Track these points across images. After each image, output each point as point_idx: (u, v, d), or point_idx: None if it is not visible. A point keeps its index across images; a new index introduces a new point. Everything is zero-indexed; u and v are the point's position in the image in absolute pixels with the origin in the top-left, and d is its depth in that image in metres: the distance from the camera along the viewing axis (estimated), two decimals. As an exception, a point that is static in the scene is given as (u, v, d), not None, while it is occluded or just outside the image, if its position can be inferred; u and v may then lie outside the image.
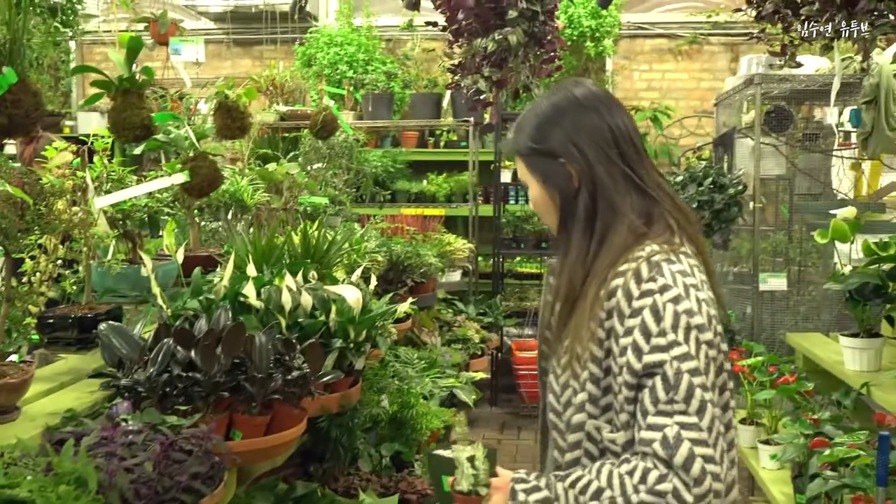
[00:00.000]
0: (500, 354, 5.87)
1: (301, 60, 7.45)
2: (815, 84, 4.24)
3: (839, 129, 4.68)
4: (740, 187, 4.02)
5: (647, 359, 1.41)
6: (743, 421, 3.60)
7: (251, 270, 2.86)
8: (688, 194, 3.99)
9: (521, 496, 1.47)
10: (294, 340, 2.39)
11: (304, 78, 7.38)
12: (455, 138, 7.29)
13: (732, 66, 8.08)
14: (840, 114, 4.10)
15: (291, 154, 5.47)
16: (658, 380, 1.40)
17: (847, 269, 3.16)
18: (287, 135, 6.35)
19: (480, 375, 4.30)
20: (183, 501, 1.66)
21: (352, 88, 6.89)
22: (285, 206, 4.25)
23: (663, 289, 1.44)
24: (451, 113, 6.93)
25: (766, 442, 3.30)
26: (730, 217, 4.00)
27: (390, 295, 3.29)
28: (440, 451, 1.62)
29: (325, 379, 2.38)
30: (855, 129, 3.86)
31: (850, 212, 3.18)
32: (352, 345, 2.67)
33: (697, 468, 1.36)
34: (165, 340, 2.16)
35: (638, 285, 1.46)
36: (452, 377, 3.96)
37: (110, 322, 2.15)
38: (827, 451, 2.45)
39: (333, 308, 2.66)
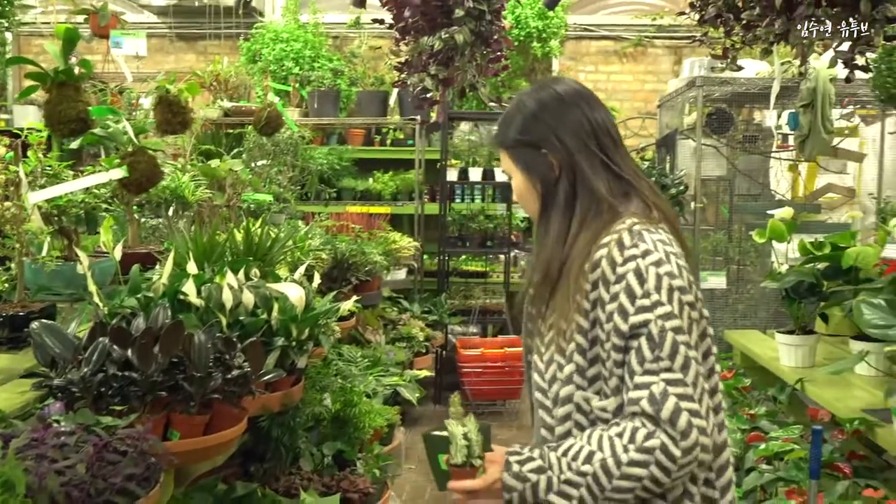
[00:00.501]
0: (444, 352, 5.88)
1: (246, 56, 7.36)
2: (755, 87, 4.33)
3: (777, 131, 4.79)
4: (682, 188, 4.08)
5: (633, 319, 1.47)
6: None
7: (192, 268, 2.81)
8: (631, 194, 4.05)
9: (515, 467, 1.51)
10: (235, 339, 2.36)
11: (250, 74, 7.29)
12: (402, 136, 7.27)
13: (675, 68, 8.21)
14: (779, 117, 4.20)
15: (235, 151, 5.40)
16: (643, 340, 1.46)
17: (784, 268, 3.23)
18: (231, 131, 6.26)
19: (424, 373, 4.29)
20: None
21: (297, 85, 6.82)
22: (228, 203, 4.19)
23: (645, 253, 1.51)
24: (397, 111, 6.92)
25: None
26: (671, 217, 4.06)
27: (334, 293, 3.27)
28: (435, 432, 1.62)
29: (266, 378, 2.35)
30: (793, 132, 3.96)
31: (787, 212, 3.26)
32: (294, 343, 2.65)
33: (684, 422, 1.41)
34: (101, 339, 2.11)
35: (621, 252, 1.52)
36: (396, 375, 3.95)
37: (43, 320, 2.10)
38: (762, 446, 2.50)
39: (275, 306, 2.63)
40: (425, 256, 7.16)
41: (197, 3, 7.66)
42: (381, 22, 3.49)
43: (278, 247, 3.27)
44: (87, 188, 2.39)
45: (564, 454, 1.50)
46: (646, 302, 1.47)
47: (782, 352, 3.20)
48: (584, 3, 8.41)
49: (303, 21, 7.62)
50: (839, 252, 2.98)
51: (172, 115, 2.64)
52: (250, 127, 4.53)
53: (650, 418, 1.43)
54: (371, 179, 6.76)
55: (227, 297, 2.56)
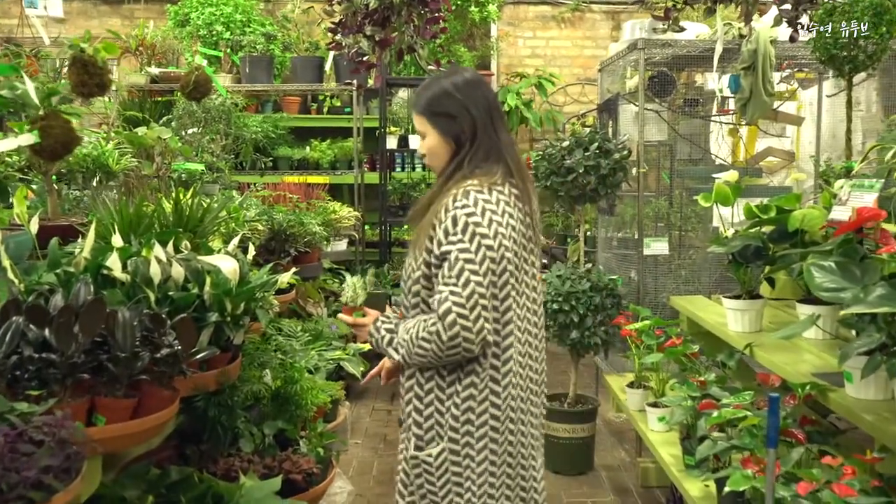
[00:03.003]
0: (388, 324, 5.76)
1: (174, 20, 7.05)
2: (696, 50, 4.27)
3: (719, 95, 4.76)
4: (625, 152, 4.02)
5: (443, 248, 2.13)
6: (631, 385, 3.62)
7: (117, 241, 2.64)
8: (574, 159, 3.96)
9: (378, 323, 2.30)
10: (164, 316, 2.21)
11: (178, 39, 7.00)
12: (339, 104, 7.07)
13: (614, 33, 8.16)
14: (719, 79, 4.15)
15: (165, 118, 5.17)
16: (445, 263, 2.12)
17: (730, 233, 3.19)
18: (160, 98, 6.00)
19: (367, 346, 4.17)
20: (31, 500, 1.49)
21: (229, 51, 6.56)
22: (157, 172, 3.99)
23: (464, 206, 2.14)
24: (334, 78, 6.71)
25: (654, 405, 3.32)
26: (616, 182, 4.00)
27: (270, 266, 3.12)
28: None
29: (198, 356, 2.21)
30: (734, 95, 3.92)
31: (732, 175, 3.21)
32: (229, 318, 2.50)
33: (452, 318, 2.09)
34: (15, 318, 1.95)
35: (451, 204, 2.15)
36: (339, 349, 3.82)
37: (-53, 300, 1.91)
38: (714, 413, 2.46)
39: (208, 280, 2.48)
40: (366, 227, 7.01)
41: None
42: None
43: (210, 217, 3.10)
44: (-3, 156, 2.20)
45: (405, 327, 2.20)
46: (452, 238, 2.12)
47: (730, 317, 3.17)
48: (522, -33, 8.28)
49: (233, -16, 7.33)
50: (785, 215, 2.94)
51: (88, 76, 2.45)
52: (180, 94, 4.31)
53: (435, 313, 2.11)
54: (308, 148, 6.56)
55: (155, 271, 2.40)
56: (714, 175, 3.44)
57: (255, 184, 4.98)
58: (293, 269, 3.68)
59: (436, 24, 3.55)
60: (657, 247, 4.96)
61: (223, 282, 2.49)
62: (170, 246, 2.61)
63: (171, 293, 2.40)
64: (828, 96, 4.75)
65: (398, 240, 6.95)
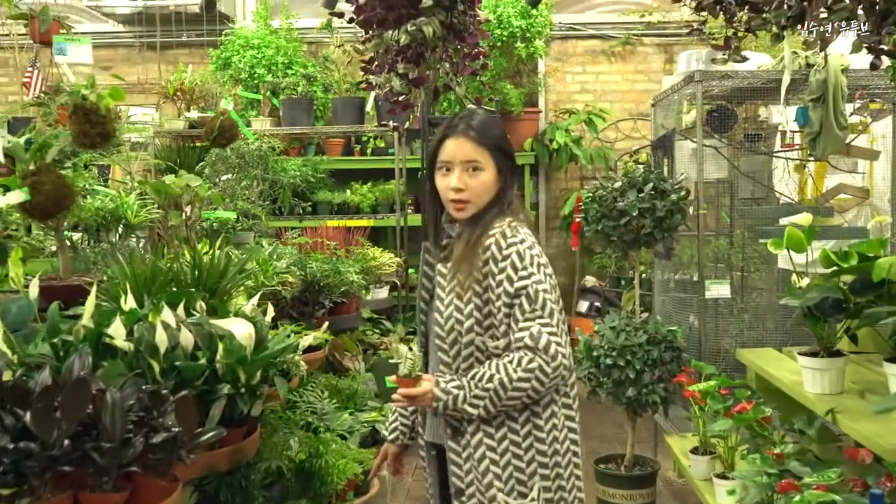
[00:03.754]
0: (433, 374, 5.48)
1: (215, 64, 6.97)
2: (758, 81, 3.96)
3: (783, 129, 4.43)
4: (683, 192, 3.71)
5: (518, 285, 2.07)
6: (695, 450, 3.27)
7: (129, 302, 2.43)
8: (628, 201, 3.66)
9: (443, 384, 2.07)
10: (166, 391, 1.97)
11: (220, 83, 6.90)
12: (383, 145, 6.89)
13: (667, 67, 7.86)
14: (785, 112, 3.83)
15: (200, 165, 5.02)
16: (523, 298, 2.06)
17: (804, 282, 2.86)
18: (198, 144, 5.87)
19: (407, 406, 3.89)
20: None
21: (269, 93, 6.43)
22: (187, 223, 3.80)
23: (522, 241, 2.12)
24: (376, 119, 6.53)
25: (723, 476, 2.97)
26: (673, 225, 3.69)
27: (290, 327, 2.88)
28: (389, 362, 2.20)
29: (203, 438, 1.95)
30: (801, 129, 3.60)
31: (805, 218, 2.88)
32: (243, 389, 2.26)
33: (553, 349, 2.05)
34: (-8, 401, 1.73)
35: (504, 240, 2.10)
36: (375, 410, 3.55)
37: (-84, 382, 1.70)
38: (797, 497, 2.12)
39: (220, 347, 2.24)
40: (411, 270, 6.77)
41: (163, 10, 7.28)
42: (341, 15, 3.11)
43: (232, 273, 2.88)
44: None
45: (472, 378, 2.07)
46: (524, 273, 2.08)
47: (806, 376, 2.83)
48: (569, 1, 8.05)
49: (275, 27, 7.24)
50: (869, 263, 2.61)
51: (90, 125, 2.26)
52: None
53: (530, 349, 2.04)
54: (348, 191, 6.36)
55: (161, 339, 2.17)
56: (783, 218, 3.11)
57: (292, 230, 4.77)
58: (324, 327, 3.45)
59: (475, 60, 3.31)
60: (717, 289, 4.61)
61: (237, 349, 2.25)
62: (180, 308, 2.38)
63: (178, 363, 2.17)
64: (904, 127, 4.38)
65: (444, 284, 6.69)
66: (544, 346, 2.04)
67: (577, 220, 4.00)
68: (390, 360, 2.21)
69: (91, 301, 2.23)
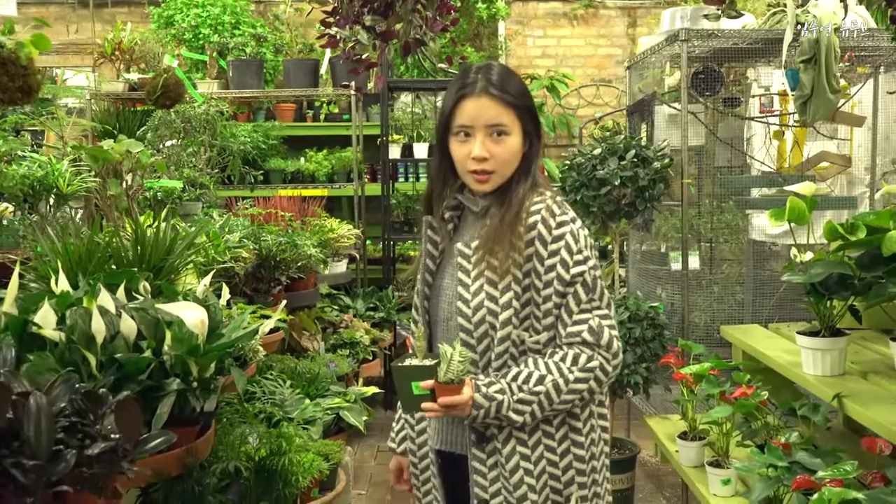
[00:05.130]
0: (394, 352, 5.24)
1: (157, 23, 6.54)
2: (746, 41, 3.74)
3: (762, 92, 4.24)
4: (667, 160, 3.48)
5: (573, 270, 1.78)
6: (683, 435, 3.07)
7: (61, 284, 2.11)
8: (608, 169, 3.43)
9: (483, 388, 1.77)
10: (104, 391, 1.68)
11: (162, 44, 6.47)
12: (337, 111, 6.54)
13: (630, 31, 7.66)
14: (784, 74, 3.61)
15: (142, 129, 4.64)
16: (579, 286, 1.79)
17: (805, 257, 2.65)
18: (139, 108, 5.48)
19: (373, 390, 3.63)
20: None
21: (216, 55, 6.04)
22: (128, 192, 3.46)
23: (573, 220, 1.84)
24: (331, 83, 6.18)
25: (716, 464, 2.78)
26: (656, 195, 3.47)
27: (247, 308, 2.59)
28: (407, 362, 1.82)
29: (149, 446, 1.67)
30: (793, 93, 3.40)
31: (807, 188, 2.68)
32: (195, 384, 1.97)
33: (615, 345, 1.82)
34: None
35: (553, 217, 1.80)
36: (339, 395, 3.28)
37: None
38: (815, 496, 1.92)
39: (168, 335, 1.95)
40: (368, 242, 6.48)
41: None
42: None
43: (181, 248, 2.57)
44: None
45: (514, 379, 1.79)
46: (579, 257, 1.79)
47: (806, 357, 2.64)
48: (530, -38, 7.76)
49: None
50: (878, 236, 2.41)
51: (9, 78, 1.93)
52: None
53: (590, 345, 1.79)
54: (303, 159, 6.02)
55: (98, 327, 1.87)
56: (788, 188, 2.90)
57: (242, 200, 4.44)
58: (281, 305, 3.15)
59: (448, 13, 3.01)
60: (689, 262, 4.42)
61: (187, 337, 1.96)
62: (121, 290, 2.08)
63: (118, 355, 1.87)
64: (889, 93, 4.21)
65: (402, 256, 6.41)
66: (606, 343, 1.79)
67: (554, 187, 3.74)
68: (413, 362, 1.80)
69: (14, 282, 1.91)
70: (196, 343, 1.98)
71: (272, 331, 3.10)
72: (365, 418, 3.29)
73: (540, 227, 1.79)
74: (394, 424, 2.13)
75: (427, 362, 1.79)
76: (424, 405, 1.78)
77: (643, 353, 3.43)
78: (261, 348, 2.56)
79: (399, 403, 1.95)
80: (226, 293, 2.29)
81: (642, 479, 4.18)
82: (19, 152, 3.19)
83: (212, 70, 6.01)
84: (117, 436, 1.55)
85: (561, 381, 1.77)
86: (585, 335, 1.78)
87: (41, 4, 7.54)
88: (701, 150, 5.02)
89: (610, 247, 4.12)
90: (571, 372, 1.77)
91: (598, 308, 1.80)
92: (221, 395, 2.42)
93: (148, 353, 1.89)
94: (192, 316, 1.99)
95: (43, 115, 3.22)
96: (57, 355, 1.85)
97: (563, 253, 1.78)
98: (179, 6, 6.46)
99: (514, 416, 1.77)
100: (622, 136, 3.55)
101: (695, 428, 3.04)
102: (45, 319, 1.85)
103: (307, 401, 3.08)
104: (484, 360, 1.83)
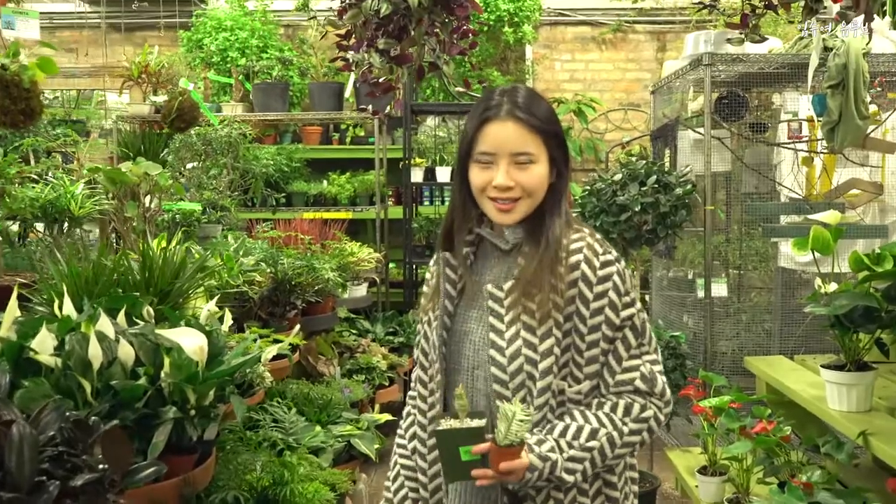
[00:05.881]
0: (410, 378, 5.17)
1: (186, 46, 6.60)
2: (772, 66, 3.66)
3: (790, 118, 4.15)
4: (689, 186, 3.41)
5: (623, 314, 1.65)
6: (703, 470, 2.97)
7: (67, 307, 2.09)
8: (629, 195, 3.36)
9: (537, 448, 1.60)
10: (96, 419, 1.64)
11: (191, 66, 6.54)
12: (363, 134, 6.55)
13: (659, 55, 7.59)
14: (810, 99, 3.53)
15: (164, 152, 4.66)
16: (628, 330, 1.66)
17: (830, 288, 2.56)
18: (165, 131, 5.52)
19: (386, 417, 3.57)
20: None
21: (241, 77, 6.07)
22: (145, 214, 3.46)
23: (618, 259, 1.69)
24: (355, 106, 6.18)
25: (736, 501, 2.68)
26: (678, 221, 3.39)
27: (257, 331, 2.56)
28: (447, 424, 1.62)
29: (139, 476, 1.63)
30: (819, 118, 3.31)
31: (832, 216, 2.59)
32: (193, 412, 1.93)
33: (668, 392, 1.70)
34: None
35: (596, 257, 1.66)
36: (351, 422, 3.23)
37: None
38: (836, 539, 1.83)
39: (167, 362, 1.91)
40: (392, 265, 6.45)
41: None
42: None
43: (191, 271, 2.54)
44: None
45: (563, 435, 1.63)
46: (627, 299, 1.66)
47: (831, 392, 2.54)
48: (558, -14, 7.74)
49: (250, 8, 6.87)
50: (906, 266, 2.32)
51: (11, 101, 1.92)
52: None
53: (642, 394, 1.66)
54: (326, 182, 6.02)
55: (95, 353, 1.84)
56: (812, 216, 2.81)
57: (263, 223, 4.43)
58: (295, 329, 3.12)
59: (464, 37, 2.97)
60: (715, 289, 4.33)
61: (185, 364, 1.92)
62: (121, 315, 2.05)
63: (113, 382, 1.84)
64: (921, 119, 4.10)
65: (424, 279, 6.36)
66: (660, 391, 1.66)
67: (574, 214, 3.67)
68: (454, 423, 1.60)
69: (12, 306, 1.90)
70: (195, 370, 1.94)
71: (282, 356, 3.07)
72: (377, 446, 3.23)
73: (584, 267, 1.64)
74: (388, 483, 1.89)
75: (473, 423, 1.60)
76: (476, 472, 1.58)
77: (664, 384, 3.33)
78: (268, 374, 2.52)
79: (433, 468, 1.75)
80: (228, 319, 2.25)
81: (663, 512, 4.06)
82: (49, 175, 3.21)
83: (237, 93, 6.04)
84: (104, 466, 1.52)
85: (615, 433, 1.63)
86: (638, 383, 1.65)
87: (74, 28, 7.66)
88: (728, 176, 4.93)
89: (633, 273, 4.03)
90: (625, 424, 1.64)
91: (648, 353, 1.68)
92: (224, 422, 2.39)
93: (143, 381, 1.86)
94: (192, 342, 1.96)
95: (60, 138, 3.23)
96: (52, 381, 1.82)
97: (612, 295, 1.64)
98: (209, 30, 6.52)
99: (565, 477, 1.61)
100: (643, 162, 3.48)
101: (715, 462, 2.94)
102: (43, 344, 1.83)
103: (317, 427, 3.03)
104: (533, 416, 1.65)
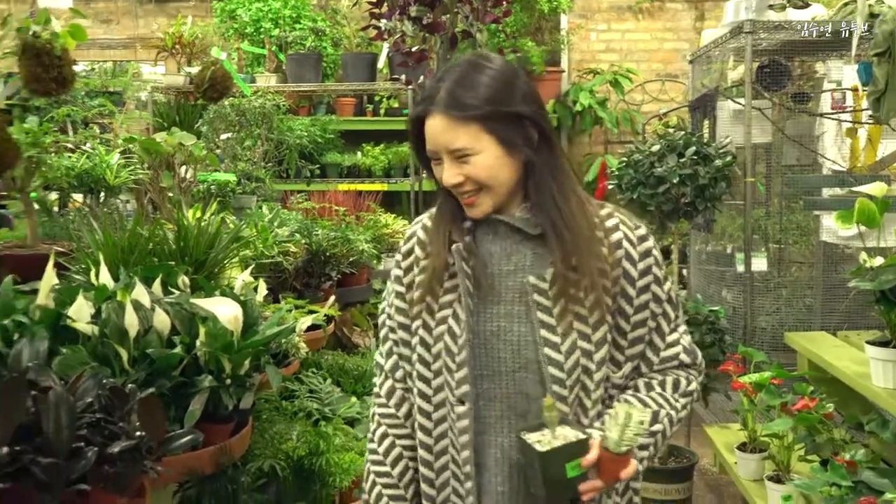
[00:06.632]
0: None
1: (219, 17, 6.59)
2: (814, 33, 3.55)
3: (832, 87, 4.03)
4: (729, 158, 3.33)
5: (665, 287, 1.59)
6: (742, 446, 2.93)
7: (103, 276, 2.10)
8: (667, 167, 3.29)
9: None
10: (132, 386, 1.64)
11: (225, 37, 6.53)
12: (397, 105, 6.50)
13: (697, 24, 7.43)
14: (855, 68, 3.42)
15: (199, 123, 4.67)
16: (666, 304, 1.58)
17: (875, 262, 2.49)
18: (199, 101, 5.52)
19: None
20: None
21: (275, 48, 6.05)
22: (180, 185, 3.46)
23: (647, 233, 1.60)
24: (389, 77, 6.14)
25: (776, 479, 2.64)
26: (717, 194, 3.32)
27: (292, 302, 2.56)
28: (540, 439, 1.44)
29: (175, 444, 1.63)
30: (865, 88, 3.21)
31: (878, 188, 2.51)
32: (228, 381, 1.93)
33: (703, 363, 1.65)
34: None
35: (632, 232, 1.56)
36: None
37: None
38: (881, 518, 1.79)
39: (202, 331, 1.91)
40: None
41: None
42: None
43: (226, 241, 2.54)
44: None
45: (639, 417, 1.53)
46: (664, 272, 1.60)
47: (876, 369, 2.47)
48: (595, -46, 7.59)
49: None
50: (957, 240, 2.24)
51: (43, 68, 1.90)
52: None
53: (687, 366, 1.61)
54: (360, 154, 5.99)
55: (131, 322, 1.84)
56: (856, 188, 2.74)
57: (296, 194, 4.42)
58: (330, 300, 3.12)
59: (498, 5, 2.93)
60: (755, 263, 4.25)
61: (221, 334, 1.92)
62: (157, 284, 2.05)
63: (150, 350, 1.84)
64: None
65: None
66: (700, 361, 1.62)
67: (610, 185, 3.62)
68: (545, 438, 1.44)
69: (49, 274, 1.90)
70: (230, 339, 1.94)
71: (316, 327, 3.07)
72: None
73: (626, 245, 1.54)
74: (367, 485, 1.67)
75: (570, 434, 1.45)
76: (586, 487, 1.44)
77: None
78: (303, 345, 2.52)
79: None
80: (262, 289, 2.25)
81: (702, 489, 4.02)
82: (86, 145, 3.22)
83: (270, 64, 6.03)
84: (141, 434, 1.52)
85: (673, 412, 1.58)
86: (683, 356, 1.60)
87: (109, 0, 7.69)
88: (769, 148, 4.83)
89: (671, 247, 3.97)
90: (677, 400, 1.59)
91: (681, 324, 1.62)
92: (260, 392, 2.39)
93: (179, 349, 1.86)
94: (227, 312, 1.95)
95: (95, 108, 3.24)
96: (89, 349, 1.83)
97: (655, 270, 1.56)
98: (241, 1, 6.50)
99: (639, 467, 1.53)
100: (682, 133, 3.41)
101: (755, 439, 2.89)
102: (80, 312, 1.84)
103: (353, 398, 3.03)
104: (574, 412, 1.51)
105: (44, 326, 1.81)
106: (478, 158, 1.48)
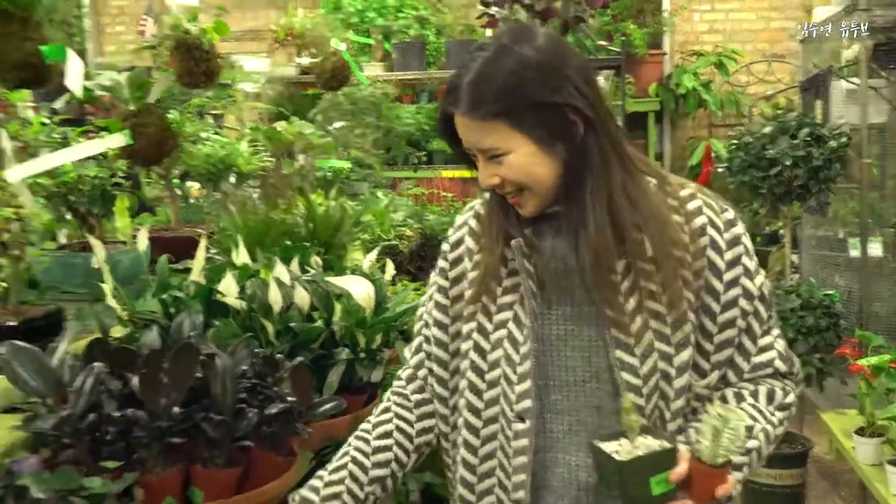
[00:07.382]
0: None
1: (326, 8, 6.79)
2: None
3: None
4: (844, 139, 3.28)
5: (757, 281, 1.36)
6: (861, 431, 2.90)
7: (241, 256, 2.26)
8: (779, 148, 3.27)
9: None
10: (280, 356, 1.79)
11: (332, 27, 6.72)
12: (499, 91, 6.56)
13: (806, 2, 7.21)
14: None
15: (312, 112, 4.86)
16: (758, 302, 1.36)
17: None
18: (310, 92, 5.72)
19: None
20: None
21: (381, 37, 6.20)
22: (300, 172, 3.64)
23: (736, 216, 1.38)
24: (492, 63, 6.21)
25: (896, 462, 2.62)
26: (831, 176, 3.28)
27: (410, 284, 2.67)
28: (622, 448, 1.22)
29: (321, 409, 1.77)
30: None
31: None
32: (362, 354, 2.06)
33: (799, 367, 1.44)
34: (96, 365, 1.58)
35: (718, 216, 1.35)
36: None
37: (15, 341, 1.56)
38: None
39: (338, 308, 2.05)
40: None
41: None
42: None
43: (349, 225, 2.68)
44: (89, 159, 1.84)
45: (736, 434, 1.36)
46: (756, 264, 1.38)
47: None
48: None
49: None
50: None
51: (194, 63, 2.06)
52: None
53: (783, 375, 1.41)
54: (464, 140, 6.10)
55: (275, 297, 1.99)
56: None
57: (406, 181, 4.57)
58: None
59: (610, -11, 2.96)
60: (870, 248, 4.16)
61: (355, 310, 2.05)
62: (294, 264, 2.20)
63: (293, 324, 1.99)
64: None
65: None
66: (798, 370, 1.42)
67: (720, 168, 3.61)
68: (625, 447, 1.22)
69: (200, 254, 2.07)
70: (363, 315, 2.07)
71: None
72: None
73: (711, 231, 1.33)
74: (318, 482, 1.44)
75: (654, 443, 1.23)
76: None
77: (816, 344, 3.26)
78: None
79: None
80: (390, 269, 2.37)
81: (815, 476, 3.98)
82: (202, 134, 3.43)
83: (377, 53, 6.18)
84: (293, 398, 1.66)
85: (769, 427, 1.34)
86: (778, 363, 1.38)
87: (221, -5, 7.98)
88: (883, 129, 4.69)
89: (781, 231, 3.93)
90: (773, 414, 1.36)
91: (774, 326, 1.40)
92: (388, 367, 2.52)
93: (320, 324, 2.00)
94: (360, 290, 2.08)
95: (224, 98, 3.43)
96: (239, 322, 1.99)
97: (745, 260, 1.34)
98: (347, -9, 6.69)
99: (739, 481, 1.34)
100: (794, 114, 3.38)
101: (873, 423, 2.86)
102: (228, 289, 1.99)
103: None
104: (652, 421, 1.30)
105: (199, 301, 1.98)
106: (510, 158, 1.28)
